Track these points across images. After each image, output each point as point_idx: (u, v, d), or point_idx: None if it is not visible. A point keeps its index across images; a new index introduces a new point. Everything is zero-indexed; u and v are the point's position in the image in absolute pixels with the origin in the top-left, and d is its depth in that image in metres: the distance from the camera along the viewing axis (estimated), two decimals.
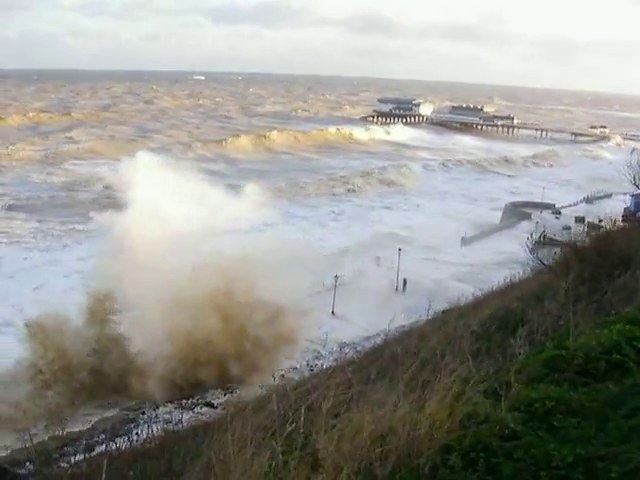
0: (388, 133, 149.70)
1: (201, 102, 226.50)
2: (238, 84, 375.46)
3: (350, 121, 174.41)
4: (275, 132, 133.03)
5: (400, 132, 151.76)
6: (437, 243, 59.30)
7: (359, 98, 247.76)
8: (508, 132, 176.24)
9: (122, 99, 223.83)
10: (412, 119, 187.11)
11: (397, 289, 47.18)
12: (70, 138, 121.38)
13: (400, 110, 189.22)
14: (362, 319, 40.29)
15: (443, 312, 26.28)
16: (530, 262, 21.95)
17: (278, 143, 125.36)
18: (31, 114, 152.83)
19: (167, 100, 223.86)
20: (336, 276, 43.24)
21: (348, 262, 51.66)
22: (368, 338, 31.41)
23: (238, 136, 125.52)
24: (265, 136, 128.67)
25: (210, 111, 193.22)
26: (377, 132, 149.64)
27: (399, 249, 48.36)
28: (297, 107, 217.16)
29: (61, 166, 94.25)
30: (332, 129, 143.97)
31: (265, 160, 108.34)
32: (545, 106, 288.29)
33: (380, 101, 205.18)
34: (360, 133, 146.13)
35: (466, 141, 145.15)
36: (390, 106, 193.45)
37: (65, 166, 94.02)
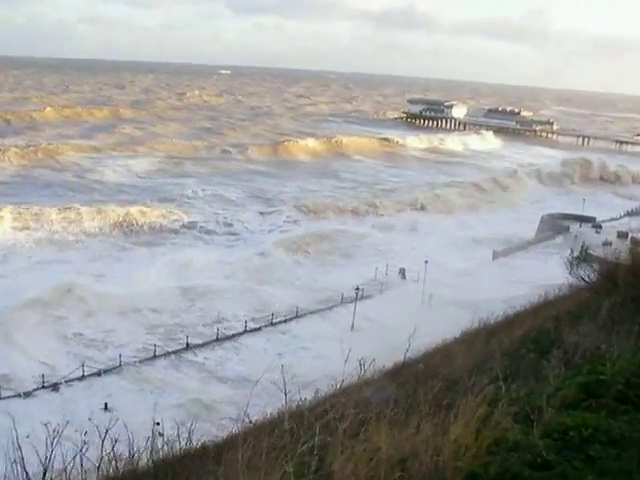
0: (464, 143, 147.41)
1: (240, 99, 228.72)
2: (267, 79, 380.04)
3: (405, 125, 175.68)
4: (352, 137, 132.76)
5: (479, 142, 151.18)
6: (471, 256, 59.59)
7: (404, 99, 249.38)
8: (547, 137, 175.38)
9: (154, 93, 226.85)
10: (443, 122, 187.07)
11: (423, 303, 46.92)
12: (127, 135, 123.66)
13: (431, 112, 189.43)
14: (383, 335, 40.12)
15: (471, 330, 26.11)
16: (567, 278, 21.71)
17: (353, 148, 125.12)
18: (67, 109, 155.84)
19: (202, 96, 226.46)
20: (357, 288, 43.22)
21: (370, 274, 51.88)
22: (390, 355, 31.32)
23: (305, 139, 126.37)
24: (335, 140, 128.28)
25: (252, 109, 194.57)
26: (455, 142, 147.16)
27: (426, 261, 48.16)
28: (342, 107, 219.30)
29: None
30: (411, 137, 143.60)
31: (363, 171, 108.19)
32: (605, 113, 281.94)
33: (410, 102, 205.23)
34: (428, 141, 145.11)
35: (547, 152, 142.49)
36: (420, 107, 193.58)
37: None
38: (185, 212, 68.41)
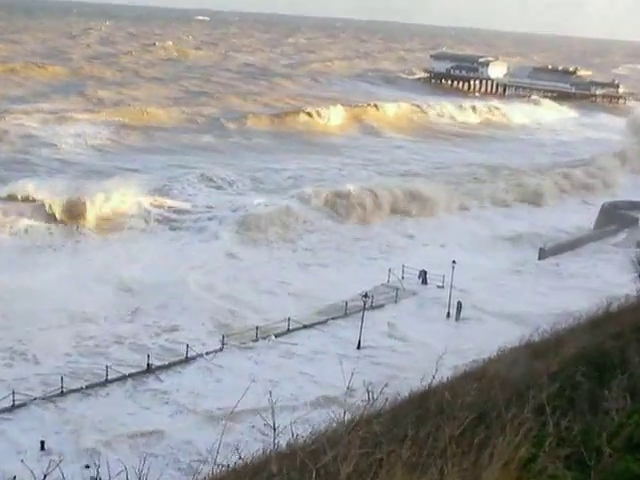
0: (508, 112, 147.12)
1: (226, 53, 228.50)
2: (257, 28, 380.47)
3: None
4: (367, 105, 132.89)
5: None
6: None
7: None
8: (610, 103, 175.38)
9: (116, 44, 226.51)
10: (477, 84, 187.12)
11: (449, 316, 47.05)
12: (86, 98, 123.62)
13: (461, 71, 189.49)
14: (398, 356, 40.30)
15: (511, 350, 26.19)
16: (635, 284, 21.75)
17: (370, 117, 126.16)
18: (8, 64, 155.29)
19: (182, 47, 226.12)
20: (365, 295, 43.20)
21: (380, 277, 51.93)
22: (406, 382, 31.48)
23: (312, 104, 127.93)
24: (347, 108, 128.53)
25: (243, 67, 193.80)
26: (494, 110, 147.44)
27: (453, 261, 48.24)
28: (357, 65, 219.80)
29: None
30: (439, 103, 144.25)
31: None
32: None
33: (434, 58, 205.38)
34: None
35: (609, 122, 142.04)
36: (448, 64, 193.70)
37: None
38: (150, 194, 68.43)
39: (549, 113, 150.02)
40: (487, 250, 61.95)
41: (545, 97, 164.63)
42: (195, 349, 40.29)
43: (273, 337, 42.61)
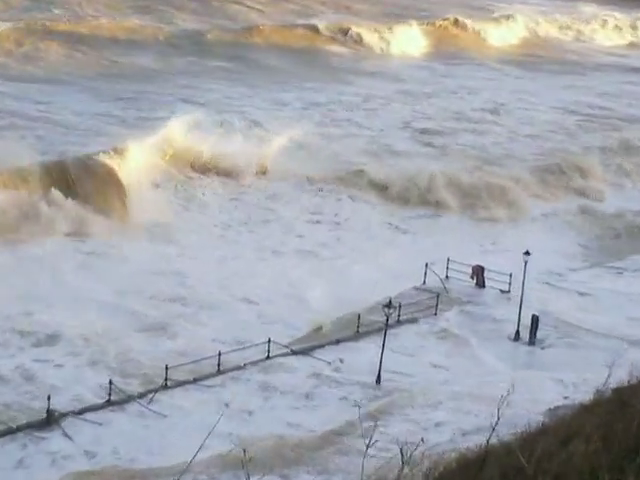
0: None
1: None
2: None
3: None
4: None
5: None
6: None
7: None
8: None
9: None
10: None
11: (518, 337, 46.60)
12: None
13: None
14: (440, 396, 40.04)
15: (615, 390, 26.20)
16: None
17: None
18: None
19: None
20: (389, 304, 42.61)
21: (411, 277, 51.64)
22: (454, 437, 31.25)
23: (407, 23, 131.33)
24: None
25: None
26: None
27: (526, 253, 47.68)
28: None
29: None
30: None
31: None
32: None
33: None
34: None
35: None
36: None
37: None
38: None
39: None
40: (574, 239, 62.99)
41: None
42: (127, 389, 40.13)
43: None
